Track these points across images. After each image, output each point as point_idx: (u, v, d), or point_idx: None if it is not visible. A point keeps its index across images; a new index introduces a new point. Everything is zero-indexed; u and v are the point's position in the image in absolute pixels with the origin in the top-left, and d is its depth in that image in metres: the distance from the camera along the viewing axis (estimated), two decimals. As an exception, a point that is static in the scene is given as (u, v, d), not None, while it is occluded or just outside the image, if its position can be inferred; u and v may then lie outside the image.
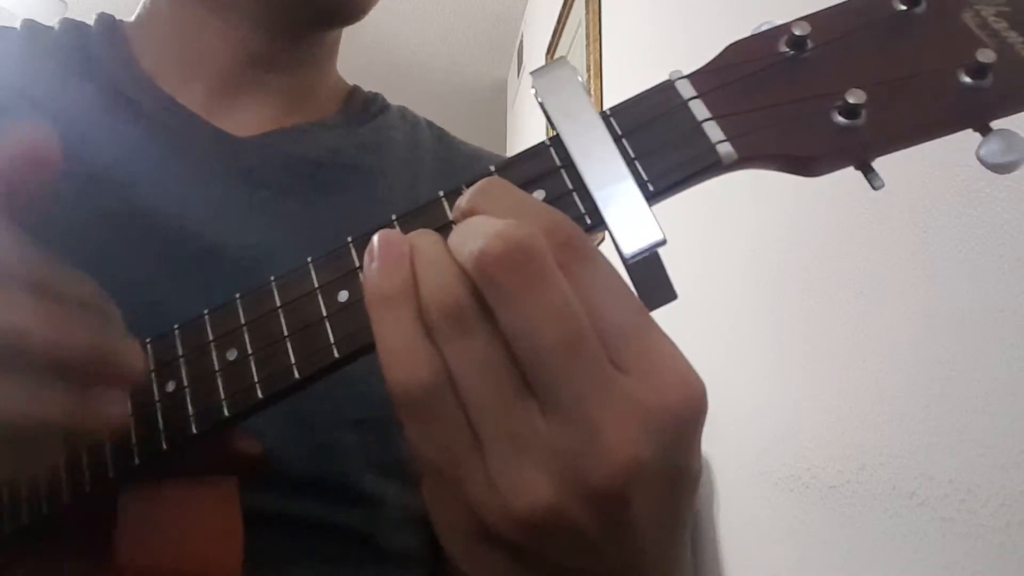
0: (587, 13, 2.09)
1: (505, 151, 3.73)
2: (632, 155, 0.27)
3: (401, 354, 0.23)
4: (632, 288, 0.27)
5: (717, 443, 1.17)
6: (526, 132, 3.14)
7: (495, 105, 3.90)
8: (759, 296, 1.06)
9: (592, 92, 1.92)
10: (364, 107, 0.55)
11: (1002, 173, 0.27)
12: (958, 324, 0.68)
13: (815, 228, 0.92)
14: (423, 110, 0.60)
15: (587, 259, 0.24)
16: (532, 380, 0.23)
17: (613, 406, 0.22)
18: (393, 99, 0.58)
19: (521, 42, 3.32)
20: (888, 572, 0.75)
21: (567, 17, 2.37)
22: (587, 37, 2.06)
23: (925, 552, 0.70)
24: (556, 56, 2.53)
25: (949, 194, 0.69)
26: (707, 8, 1.31)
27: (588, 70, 2.00)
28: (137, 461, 0.31)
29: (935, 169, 0.71)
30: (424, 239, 0.24)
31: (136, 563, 0.30)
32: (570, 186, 0.27)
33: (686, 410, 0.23)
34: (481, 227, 0.23)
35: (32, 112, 0.45)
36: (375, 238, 0.24)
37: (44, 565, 0.33)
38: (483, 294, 0.23)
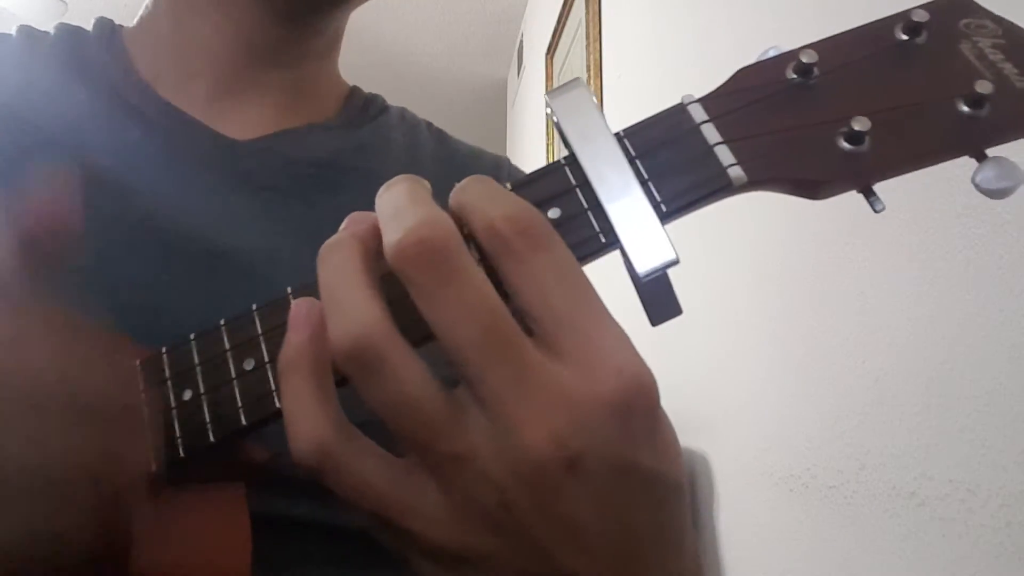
0: (587, 13, 2.09)
1: (505, 151, 3.73)
2: (646, 176, 0.28)
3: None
4: (640, 304, 0.28)
5: (717, 443, 1.17)
6: (526, 132, 3.14)
7: (495, 105, 3.90)
8: (760, 296, 1.06)
9: (592, 92, 1.91)
10: (364, 108, 0.55)
11: (997, 198, 0.28)
12: (958, 324, 0.68)
13: (816, 228, 0.92)
14: (423, 110, 0.60)
15: (544, 247, 0.24)
16: (460, 376, 0.23)
17: (534, 401, 0.22)
18: (393, 99, 0.58)
19: (521, 42, 3.32)
20: (888, 572, 0.75)
21: (567, 17, 2.37)
22: (587, 37, 2.06)
23: (925, 552, 0.70)
24: (556, 56, 2.53)
25: (949, 194, 0.69)
26: (706, 8, 1.30)
27: (588, 70, 2.00)
28: (154, 468, 0.31)
29: (936, 169, 0.71)
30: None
31: (147, 573, 0.30)
32: (585, 205, 0.28)
33: (621, 402, 0.23)
34: (404, 215, 0.24)
35: (29, 118, 0.45)
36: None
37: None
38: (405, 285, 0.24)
